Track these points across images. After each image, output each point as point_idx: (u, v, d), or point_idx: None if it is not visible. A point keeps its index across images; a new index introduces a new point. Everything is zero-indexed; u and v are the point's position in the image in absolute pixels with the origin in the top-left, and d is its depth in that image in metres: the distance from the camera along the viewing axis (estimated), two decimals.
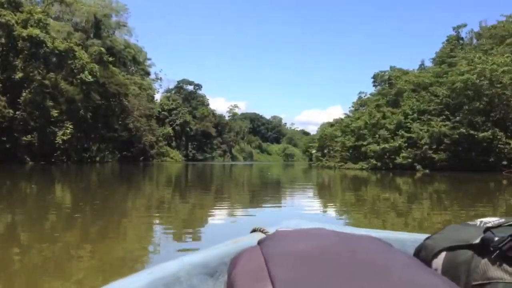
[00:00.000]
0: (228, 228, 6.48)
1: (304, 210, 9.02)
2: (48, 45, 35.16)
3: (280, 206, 10.37)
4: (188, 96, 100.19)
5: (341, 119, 54.54)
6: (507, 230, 0.77)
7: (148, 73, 73.84)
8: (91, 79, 40.19)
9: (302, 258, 0.71)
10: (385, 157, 39.52)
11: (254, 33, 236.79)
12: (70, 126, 39.19)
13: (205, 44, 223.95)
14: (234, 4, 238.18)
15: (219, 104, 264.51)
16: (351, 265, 0.67)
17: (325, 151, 51.87)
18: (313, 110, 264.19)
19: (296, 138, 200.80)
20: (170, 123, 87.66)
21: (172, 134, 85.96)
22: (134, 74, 63.12)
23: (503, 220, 0.82)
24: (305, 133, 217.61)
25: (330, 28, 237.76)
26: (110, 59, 47.40)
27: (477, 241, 0.78)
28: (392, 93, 44.30)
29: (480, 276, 0.75)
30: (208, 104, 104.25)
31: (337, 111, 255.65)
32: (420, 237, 1.03)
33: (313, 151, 62.63)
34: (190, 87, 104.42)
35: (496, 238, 0.75)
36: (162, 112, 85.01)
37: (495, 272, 0.73)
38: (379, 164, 39.80)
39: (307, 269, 0.66)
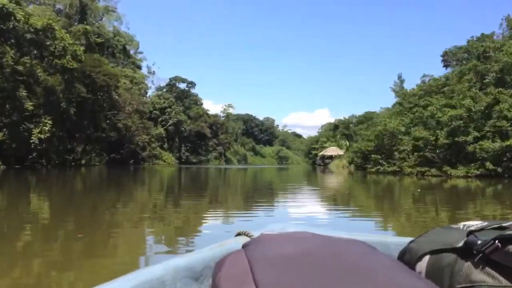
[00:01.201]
0: None
1: None
2: (18, 17, 27.96)
3: None
4: (180, 95, 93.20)
5: (400, 108, 41.84)
6: (490, 234, 0.77)
7: (139, 67, 66.61)
8: (75, 65, 33.24)
9: (286, 261, 0.70)
10: (506, 159, 26.66)
11: (240, 35, 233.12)
12: (49, 122, 32.28)
13: (189, 46, 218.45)
14: (219, 5, 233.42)
15: (207, 107, 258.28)
16: (335, 268, 0.67)
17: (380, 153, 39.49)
18: (300, 113, 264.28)
19: (289, 141, 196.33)
20: (162, 123, 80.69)
21: (164, 135, 78.95)
22: (125, 67, 55.94)
23: (486, 223, 0.83)
24: (297, 136, 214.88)
25: (317, 30, 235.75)
26: (98, 40, 40.41)
27: (461, 244, 0.79)
28: (494, 69, 30.86)
29: (463, 279, 0.75)
30: (201, 104, 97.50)
31: (324, 114, 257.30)
32: (404, 240, 1.04)
33: (348, 155, 54.69)
34: (183, 85, 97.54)
35: (479, 242, 0.75)
36: (154, 111, 77.88)
37: (478, 275, 0.73)
38: (499, 169, 26.42)
39: (291, 273, 0.66)
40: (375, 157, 34.91)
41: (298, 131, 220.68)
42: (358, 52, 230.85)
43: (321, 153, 72.62)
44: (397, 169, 32.85)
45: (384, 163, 34.66)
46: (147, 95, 65.53)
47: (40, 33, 30.69)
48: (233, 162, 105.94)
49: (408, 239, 0.98)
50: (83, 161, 43.00)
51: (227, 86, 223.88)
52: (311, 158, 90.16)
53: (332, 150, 70.03)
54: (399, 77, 56.82)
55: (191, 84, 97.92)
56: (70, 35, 34.70)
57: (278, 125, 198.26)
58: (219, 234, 5.75)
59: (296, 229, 1.13)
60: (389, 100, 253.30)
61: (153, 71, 70.74)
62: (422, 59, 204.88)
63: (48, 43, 31.67)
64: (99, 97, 42.06)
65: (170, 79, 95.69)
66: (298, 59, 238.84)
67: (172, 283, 0.87)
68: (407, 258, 0.89)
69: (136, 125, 50.01)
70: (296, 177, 29.90)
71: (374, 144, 36.30)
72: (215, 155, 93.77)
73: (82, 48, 35.63)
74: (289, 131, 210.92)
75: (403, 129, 33.76)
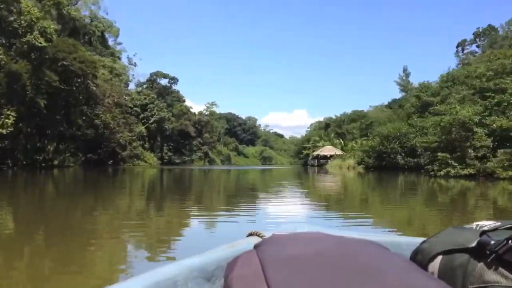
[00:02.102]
0: None
1: None
2: None
3: None
4: (162, 91, 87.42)
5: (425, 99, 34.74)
6: (503, 234, 0.76)
7: (119, 59, 60.66)
8: (43, 43, 27.66)
9: (298, 262, 0.70)
10: None
11: (220, 34, 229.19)
12: (13, 114, 26.77)
13: (166, 44, 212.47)
14: (194, 4, 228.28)
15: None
16: (347, 268, 0.67)
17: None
18: (280, 113, 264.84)
19: (272, 141, 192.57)
20: (143, 121, 74.92)
21: (145, 134, 73.22)
22: (103, 57, 50.10)
23: (499, 223, 0.82)
24: (279, 135, 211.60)
25: (299, 30, 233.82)
26: (73, 12, 34.74)
27: (473, 244, 0.78)
28: None
29: (476, 279, 0.74)
30: (184, 101, 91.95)
31: (303, 115, 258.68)
32: (417, 240, 1.03)
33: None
34: (165, 81, 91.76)
35: (493, 242, 0.75)
36: (134, 108, 72.05)
37: (492, 275, 0.72)
38: None
39: (303, 273, 0.66)
40: (443, 156, 26.06)
41: (277, 131, 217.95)
42: (339, 53, 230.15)
43: (315, 153, 68.01)
44: (472, 172, 25.14)
45: (455, 164, 25.81)
46: (129, 88, 59.19)
47: (2, 6, 25.08)
48: (217, 163, 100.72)
49: (420, 240, 0.97)
50: (55, 162, 38.03)
51: (206, 85, 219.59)
52: (301, 158, 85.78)
53: (328, 150, 65.60)
54: (405, 70, 52.83)
55: (173, 80, 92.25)
56: (38, 8, 28.93)
57: (260, 125, 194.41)
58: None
59: (308, 229, 1.14)
60: (373, 99, 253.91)
61: (134, 63, 64.44)
62: (410, 58, 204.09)
63: (11, 18, 26.08)
64: (74, 88, 36.49)
65: (151, 74, 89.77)
66: (279, 59, 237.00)
67: (184, 284, 0.87)
68: (420, 258, 0.88)
69: (117, 121, 44.35)
70: (296, 180, 24.85)
71: (437, 140, 27.53)
72: (200, 155, 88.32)
73: (52, 24, 29.91)
74: (271, 131, 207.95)
75: (476, 119, 25.92)
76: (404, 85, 51.94)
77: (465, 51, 54.34)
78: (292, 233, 0.97)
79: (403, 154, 33.51)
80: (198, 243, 5.24)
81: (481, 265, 0.74)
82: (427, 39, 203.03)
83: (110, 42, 59.37)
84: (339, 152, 62.26)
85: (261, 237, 1.08)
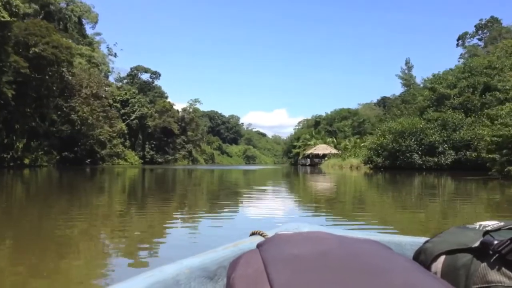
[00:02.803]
0: None
1: None
2: None
3: None
4: (143, 87, 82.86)
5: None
6: (506, 234, 0.77)
7: (97, 47, 55.80)
8: (7, 17, 23.33)
9: (301, 261, 0.70)
10: None
11: (200, 31, 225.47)
12: None
13: (145, 41, 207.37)
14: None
15: None
16: (350, 268, 0.67)
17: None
18: (259, 112, 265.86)
19: (255, 139, 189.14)
20: (124, 117, 70.33)
21: (126, 131, 68.69)
22: (81, 45, 45.38)
23: (502, 223, 0.83)
24: (262, 134, 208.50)
25: (280, 32, 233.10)
26: None
27: (477, 244, 0.78)
28: None
29: (479, 279, 0.74)
30: (167, 97, 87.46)
31: (282, 114, 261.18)
32: (419, 240, 1.04)
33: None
34: (146, 76, 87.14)
35: (496, 242, 0.75)
36: (114, 104, 67.39)
37: (495, 275, 0.72)
38: None
39: (306, 273, 0.66)
40: None
41: (258, 130, 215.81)
42: (319, 53, 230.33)
43: (308, 152, 64.54)
44: None
45: None
46: (109, 79, 54.43)
47: None
48: (200, 162, 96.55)
49: (423, 239, 0.98)
50: (26, 161, 33.53)
51: (185, 83, 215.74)
52: (290, 158, 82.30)
53: (321, 148, 62.26)
54: (407, 62, 49.65)
55: (155, 74, 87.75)
56: None
57: (243, 123, 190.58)
58: None
59: (311, 229, 1.14)
60: (355, 98, 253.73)
61: (115, 53, 59.40)
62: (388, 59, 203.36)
63: None
64: (47, 76, 32.06)
65: (132, 69, 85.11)
66: (259, 58, 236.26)
67: (187, 283, 0.87)
68: (423, 258, 0.88)
69: (96, 114, 39.83)
70: (292, 181, 21.04)
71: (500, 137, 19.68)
72: (184, 153, 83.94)
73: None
74: (254, 130, 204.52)
75: None
76: (407, 79, 48.87)
77: (467, 44, 51.73)
78: (295, 233, 0.94)
79: (419, 153, 30.08)
80: (179, 250, 4.48)
81: (484, 265, 0.74)
82: (414, 35, 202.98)
83: (88, 29, 54.61)
84: (334, 150, 59.03)
85: (263, 236, 1.08)
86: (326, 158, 57.82)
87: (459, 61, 52.19)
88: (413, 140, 30.19)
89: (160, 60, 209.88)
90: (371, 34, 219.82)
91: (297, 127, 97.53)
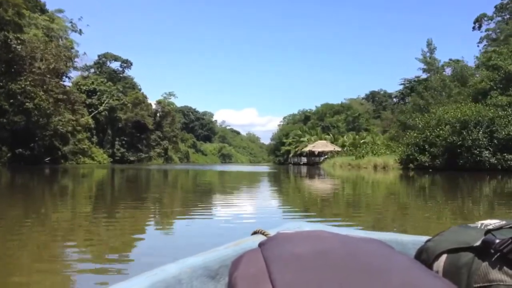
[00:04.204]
0: None
1: None
2: None
3: None
4: (113, 76, 73.67)
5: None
6: (508, 233, 0.77)
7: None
8: None
9: (303, 260, 0.71)
10: None
11: (171, 24, 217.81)
12: None
13: (112, 30, 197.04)
14: None
15: None
16: (351, 267, 0.67)
17: None
18: (229, 110, 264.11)
19: (229, 137, 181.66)
20: (90, 110, 61.22)
21: (93, 126, 59.60)
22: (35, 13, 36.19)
23: (504, 222, 0.83)
24: (236, 132, 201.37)
25: (250, 28, 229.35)
26: None
27: (478, 243, 0.78)
28: None
29: (481, 278, 0.74)
30: (140, 88, 78.57)
31: (252, 113, 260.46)
32: (421, 239, 1.05)
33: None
34: (116, 65, 77.92)
35: (497, 241, 0.75)
36: (80, 95, 58.19)
37: (496, 274, 0.72)
38: None
39: (308, 272, 0.66)
40: None
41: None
42: (290, 53, 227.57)
43: (306, 149, 57.20)
44: None
45: None
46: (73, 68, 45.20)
47: None
48: (175, 161, 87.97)
49: (425, 238, 0.98)
50: None
51: (156, 78, 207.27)
52: (278, 156, 74.90)
53: (321, 145, 55.12)
54: (429, 44, 43.02)
55: (126, 63, 78.62)
56: None
57: (216, 121, 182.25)
58: None
59: (313, 228, 1.14)
60: (326, 97, 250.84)
61: (80, 30, 49.82)
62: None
63: None
64: None
65: (99, 56, 75.74)
66: (233, 55, 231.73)
67: (189, 282, 0.87)
68: (424, 257, 0.88)
69: (54, 97, 30.96)
70: (307, 188, 13.93)
71: None
72: (159, 151, 75.22)
73: None
74: (228, 127, 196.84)
75: None
76: (430, 62, 42.28)
77: (485, 28, 45.87)
78: (297, 232, 0.93)
79: (490, 149, 23.14)
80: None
81: (485, 264, 0.74)
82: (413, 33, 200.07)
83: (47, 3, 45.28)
84: (336, 148, 52.06)
85: (265, 235, 1.07)
86: (326, 156, 50.89)
87: (478, 45, 46.36)
88: (481, 133, 23.25)
89: (129, 52, 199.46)
90: (348, 29, 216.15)
91: (281, 123, 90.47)
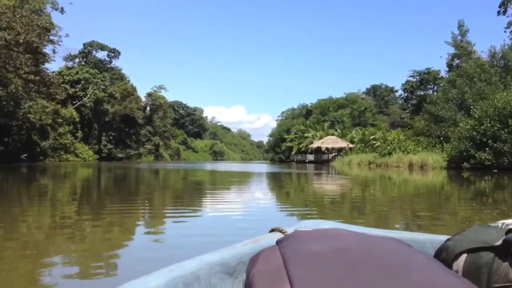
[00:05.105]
0: None
1: None
2: None
3: None
4: (99, 67, 67.86)
5: None
6: None
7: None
8: None
9: (320, 258, 0.70)
10: None
11: (161, 19, 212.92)
12: None
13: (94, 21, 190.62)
14: None
15: None
16: (369, 265, 0.67)
17: None
18: (217, 107, 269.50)
19: (220, 134, 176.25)
20: (74, 102, 55.56)
21: (77, 119, 53.95)
22: None
23: None
24: (227, 129, 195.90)
25: (238, 26, 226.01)
26: None
27: (499, 243, 0.77)
28: None
29: (501, 278, 0.73)
30: (129, 80, 72.93)
31: (240, 110, 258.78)
32: (440, 238, 1.04)
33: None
34: (103, 54, 72.17)
35: None
36: (62, 85, 52.44)
37: None
38: None
39: (325, 270, 0.65)
40: None
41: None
42: (278, 51, 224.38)
43: (313, 145, 52.18)
44: None
45: None
46: (57, 57, 39.50)
47: None
48: (165, 158, 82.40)
49: (444, 237, 0.97)
50: None
51: (145, 71, 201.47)
52: (279, 153, 69.83)
53: (331, 141, 50.14)
54: (460, 25, 38.15)
55: (114, 52, 72.86)
56: None
57: (206, 117, 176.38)
58: None
59: (330, 226, 1.13)
60: (317, 94, 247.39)
61: (61, 8, 43.72)
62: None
63: None
64: None
65: (85, 45, 69.88)
66: (223, 52, 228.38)
67: (207, 278, 0.87)
68: (444, 256, 0.86)
69: (24, 77, 25.08)
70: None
71: None
72: (150, 148, 69.61)
73: None
74: (219, 124, 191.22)
75: None
76: (463, 46, 37.48)
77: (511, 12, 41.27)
78: (314, 230, 0.93)
79: None
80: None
81: (506, 264, 0.72)
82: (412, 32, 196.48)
83: None
84: (349, 144, 47.11)
85: (283, 233, 1.06)
86: (335, 153, 46.05)
87: (505, 31, 41.70)
88: None
89: (117, 42, 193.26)
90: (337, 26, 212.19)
91: (280, 118, 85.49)
